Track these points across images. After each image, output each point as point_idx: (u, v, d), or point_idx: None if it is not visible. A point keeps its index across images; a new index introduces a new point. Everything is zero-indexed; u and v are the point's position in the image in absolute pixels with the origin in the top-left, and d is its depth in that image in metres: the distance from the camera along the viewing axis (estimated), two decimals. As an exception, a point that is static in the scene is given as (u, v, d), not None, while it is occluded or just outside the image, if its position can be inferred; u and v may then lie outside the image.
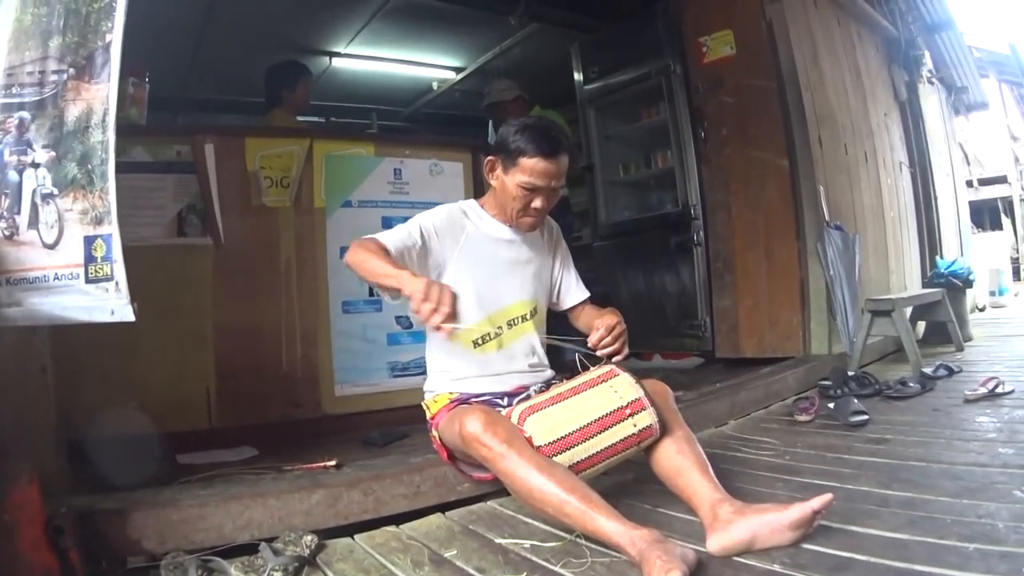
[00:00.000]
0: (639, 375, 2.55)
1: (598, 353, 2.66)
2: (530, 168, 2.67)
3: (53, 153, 2.34)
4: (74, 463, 2.66)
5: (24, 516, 2.02)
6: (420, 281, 2.31)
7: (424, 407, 2.91)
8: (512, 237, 2.91)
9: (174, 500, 2.44)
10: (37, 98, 2.39)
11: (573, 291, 3.14)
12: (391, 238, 2.65)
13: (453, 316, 2.29)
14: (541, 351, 2.95)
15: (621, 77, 6.31)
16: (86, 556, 2.10)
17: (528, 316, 2.92)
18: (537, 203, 2.75)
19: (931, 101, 8.78)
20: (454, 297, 2.33)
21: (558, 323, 3.11)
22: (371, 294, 4.19)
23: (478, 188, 4.41)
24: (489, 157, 2.83)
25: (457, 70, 8.71)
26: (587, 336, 2.75)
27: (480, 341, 2.80)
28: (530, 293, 2.94)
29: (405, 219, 3.89)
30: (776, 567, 1.89)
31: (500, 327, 2.85)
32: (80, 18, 2.39)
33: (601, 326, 2.68)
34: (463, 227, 2.84)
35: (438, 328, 2.27)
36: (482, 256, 2.84)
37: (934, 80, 8.99)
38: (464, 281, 2.75)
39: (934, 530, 2.03)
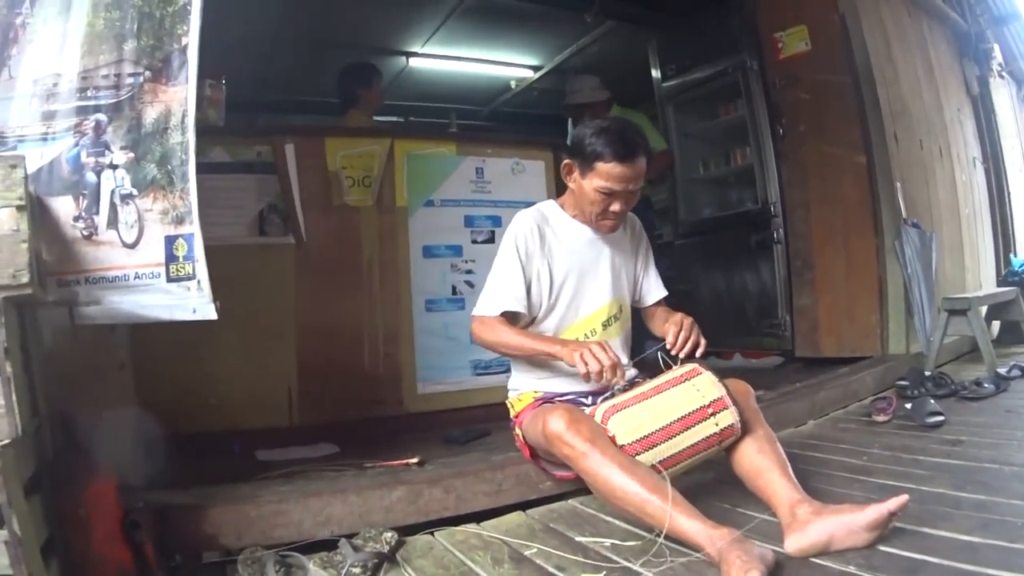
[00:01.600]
0: (720, 374, 2.51)
1: (679, 354, 2.59)
2: (607, 172, 2.60)
3: (132, 154, 2.35)
4: (152, 459, 2.65)
5: (100, 511, 2.02)
6: (575, 352, 2.43)
7: (508, 405, 2.91)
8: (594, 237, 2.85)
9: (252, 496, 2.45)
10: (113, 100, 2.39)
11: (653, 289, 3.07)
12: (507, 296, 2.71)
13: (617, 366, 2.41)
14: (626, 350, 2.90)
15: (698, 74, 6.22)
16: (161, 551, 2.11)
17: (617, 316, 2.90)
18: (616, 206, 2.69)
19: (1002, 95, 8.48)
20: (607, 348, 2.43)
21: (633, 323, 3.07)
22: (454, 292, 4.22)
23: (560, 186, 4.39)
24: (566, 160, 2.77)
25: (535, 68, 8.63)
26: (662, 339, 2.68)
27: None
28: (617, 292, 2.90)
29: (488, 218, 3.82)
30: (851, 568, 1.87)
31: (594, 329, 2.84)
32: (154, 21, 2.41)
33: (672, 326, 2.62)
34: (544, 236, 2.79)
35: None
36: (568, 262, 2.80)
37: (1004, 74, 8.71)
38: (554, 289, 2.78)
39: (1005, 533, 2.00)
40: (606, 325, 2.84)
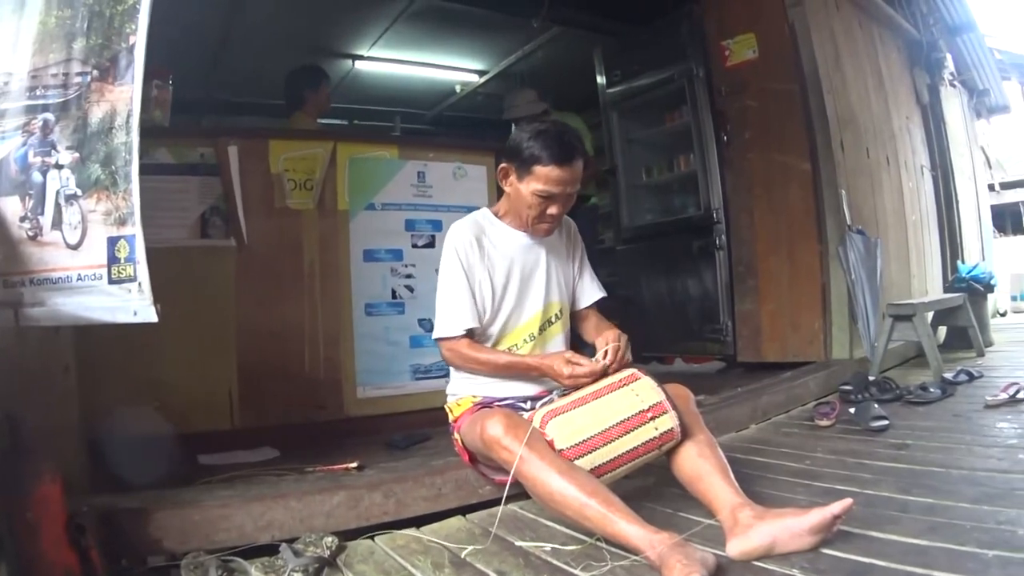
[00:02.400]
0: (660, 379, 2.55)
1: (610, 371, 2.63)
2: (545, 176, 2.64)
3: (77, 154, 2.35)
4: (96, 462, 2.68)
5: (47, 514, 2.02)
6: (554, 367, 2.60)
7: (447, 409, 2.95)
8: (530, 242, 2.90)
9: (196, 500, 2.46)
10: (61, 100, 2.39)
11: (587, 291, 3.11)
12: (464, 314, 2.77)
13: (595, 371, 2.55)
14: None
15: (644, 80, 6.31)
16: (106, 555, 2.11)
17: (555, 319, 2.95)
18: (553, 210, 2.74)
19: (953, 104, 8.73)
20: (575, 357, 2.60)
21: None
22: (394, 296, 4.21)
23: (502, 192, 4.43)
24: (502, 164, 2.81)
25: (480, 73, 8.70)
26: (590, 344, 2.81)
27: (514, 349, 2.85)
28: (555, 296, 2.95)
29: (428, 222, 3.86)
30: (795, 572, 1.89)
31: (532, 333, 2.88)
32: (104, 20, 2.40)
33: (605, 346, 2.66)
34: (483, 246, 2.83)
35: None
36: (507, 269, 2.84)
37: (956, 83, 8.93)
38: (495, 297, 2.82)
39: (954, 536, 2.03)
40: (543, 329, 2.90)
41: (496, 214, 2.94)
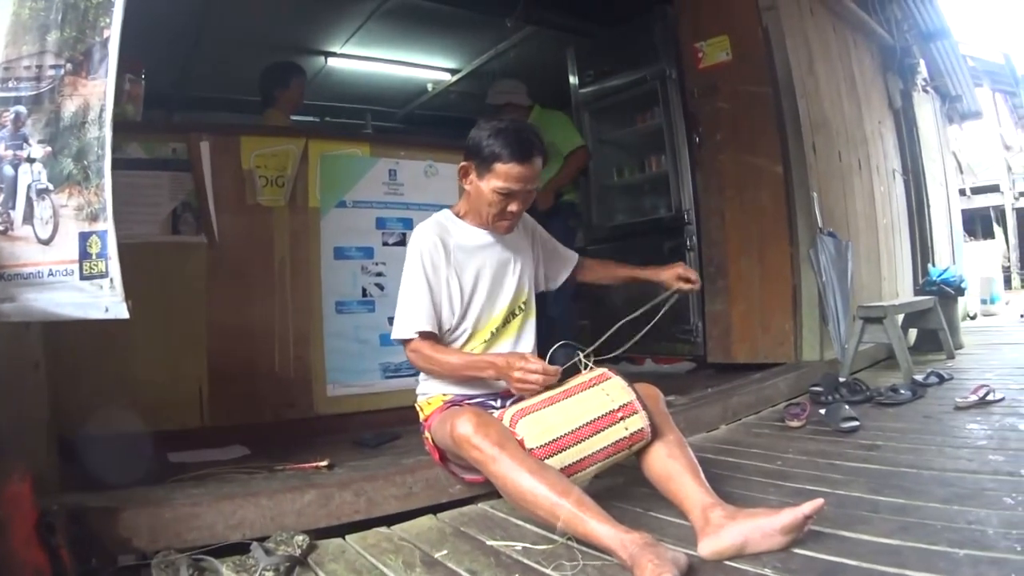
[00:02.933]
0: (630, 379, 2.57)
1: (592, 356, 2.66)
2: (505, 173, 2.66)
3: (49, 148, 2.34)
4: (66, 460, 2.66)
5: (16, 513, 2.00)
6: (506, 369, 2.59)
7: (418, 408, 2.94)
8: (491, 240, 2.92)
9: (166, 499, 2.45)
10: (33, 93, 2.38)
11: (562, 263, 3.23)
12: (419, 317, 2.75)
13: (548, 373, 2.53)
14: (534, 351, 2.96)
15: (616, 81, 6.39)
16: (76, 554, 2.08)
17: (518, 311, 2.97)
18: (513, 207, 2.76)
19: (925, 109, 8.86)
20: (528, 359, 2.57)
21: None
22: (364, 294, 4.21)
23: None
24: (463, 163, 2.82)
25: (452, 72, 8.77)
26: (573, 344, 2.77)
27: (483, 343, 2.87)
28: (519, 292, 2.97)
29: (399, 220, 3.85)
30: (767, 571, 1.89)
31: (498, 328, 2.90)
32: (78, 13, 2.39)
33: (675, 280, 3.10)
34: (448, 248, 2.83)
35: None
36: (474, 269, 2.86)
37: (928, 88, 9.06)
38: (464, 298, 2.83)
39: (925, 536, 2.04)
40: (507, 321, 2.93)
41: (457, 214, 2.95)
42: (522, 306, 2.98)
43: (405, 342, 2.80)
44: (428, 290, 2.75)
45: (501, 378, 2.65)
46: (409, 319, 2.75)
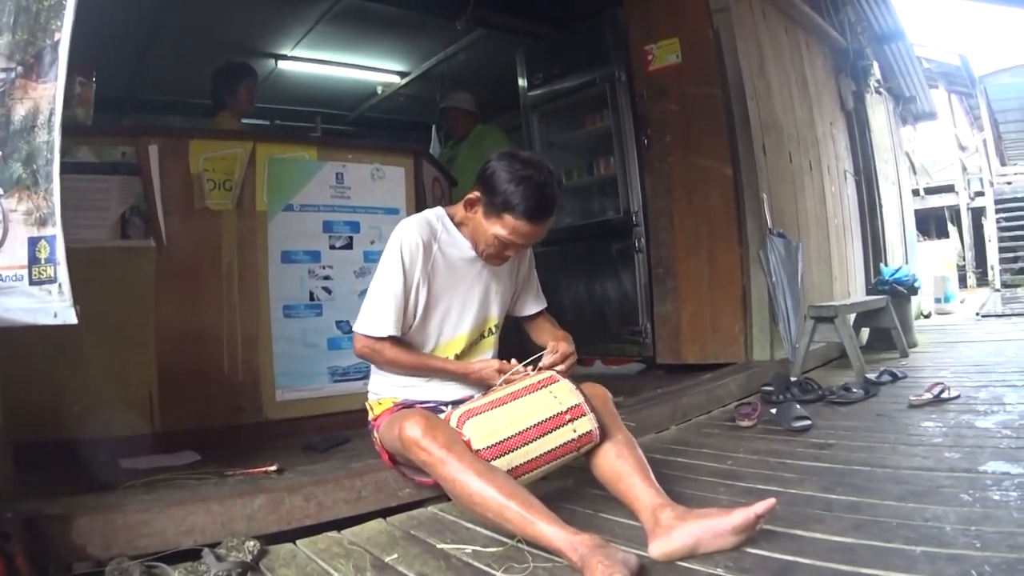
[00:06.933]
0: (579, 381, 2.63)
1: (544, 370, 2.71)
2: (512, 226, 2.60)
3: None
4: (19, 467, 2.66)
5: None
6: (483, 374, 2.74)
7: (368, 407, 2.96)
8: (476, 256, 2.85)
9: (118, 505, 2.46)
10: None
11: (531, 302, 3.16)
12: (387, 322, 2.71)
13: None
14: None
15: (566, 84, 6.46)
16: (32, 562, 2.10)
17: (488, 333, 2.99)
18: (510, 252, 2.77)
19: (878, 111, 9.04)
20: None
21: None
22: (312, 298, 4.20)
23: (420, 194, 4.46)
24: (473, 193, 2.70)
25: (402, 75, 8.81)
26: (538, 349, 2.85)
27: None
28: (493, 311, 2.98)
29: (346, 223, 3.88)
30: (719, 571, 1.94)
31: (466, 345, 2.93)
32: (30, 16, 2.39)
33: (557, 351, 2.77)
34: (430, 252, 2.75)
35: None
36: (446, 283, 2.83)
37: (882, 90, 9.24)
38: (428, 303, 2.80)
39: (880, 534, 2.09)
40: (476, 341, 2.94)
41: (452, 218, 2.86)
42: (492, 329, 2.99)
43: (365, 336, 2.75)
44: (403, 290, 2.70)
45: (480, 381, 2.74)
46: (379, 319, 2.70)
